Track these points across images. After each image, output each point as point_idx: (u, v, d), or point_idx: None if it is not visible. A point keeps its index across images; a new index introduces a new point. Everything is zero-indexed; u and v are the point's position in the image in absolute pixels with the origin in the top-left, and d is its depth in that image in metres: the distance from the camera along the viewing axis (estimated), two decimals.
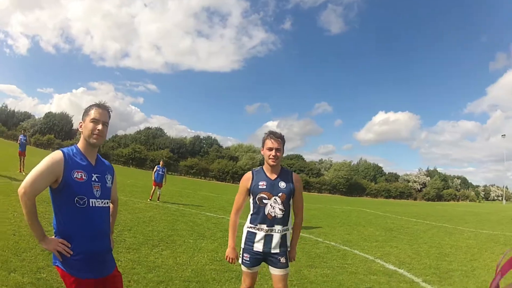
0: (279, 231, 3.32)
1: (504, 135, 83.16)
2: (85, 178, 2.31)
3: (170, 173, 59.76)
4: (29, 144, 17.27)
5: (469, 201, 73.56)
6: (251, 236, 3.38)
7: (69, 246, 2.24)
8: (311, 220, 14.11)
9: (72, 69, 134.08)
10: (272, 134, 3.36)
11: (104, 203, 2.43)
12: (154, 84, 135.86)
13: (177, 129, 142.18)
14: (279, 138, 3.35)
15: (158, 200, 14.75)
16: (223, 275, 5.46)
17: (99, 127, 2.39)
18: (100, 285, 2.39)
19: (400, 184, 72.86)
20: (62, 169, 2.23)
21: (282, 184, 3.34)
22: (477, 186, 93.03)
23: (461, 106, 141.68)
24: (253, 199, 3.38)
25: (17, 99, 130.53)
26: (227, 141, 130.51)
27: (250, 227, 3.40)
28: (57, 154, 2.28)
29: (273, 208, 3.29)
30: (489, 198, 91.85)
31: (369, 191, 67.89)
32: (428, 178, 76.84)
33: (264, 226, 3.31)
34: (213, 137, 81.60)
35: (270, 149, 3.31)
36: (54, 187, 2.27)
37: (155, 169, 15.11)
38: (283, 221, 3.33)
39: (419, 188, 74.48)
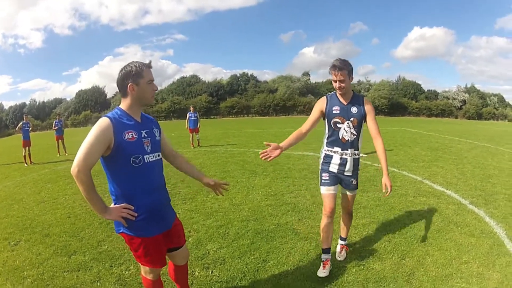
0: (352, 155, 3.57)
1: None
2: (136, 136, 2.30)
3: (212, 117, 60.92)
4: (65, 127, 16.80)
5: (508, 121, 69.33)
6: (327, 158, 3.66)
7: (132, 208, 2.28)
8: None
9: (94, 43, 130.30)
10: (334, 68, 3.39)
11: (156, 156, 2.44)
12: (181, 34, 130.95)
13: (212, 72, 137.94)
14: (341, 70, 3.36)
15: (199, 145, 15.19)
16: (279, 209, 5.66)
17: (156, 87, 2.41)
18: (166, 238, 2.51)
19: (440, 102, 70.72)
20: (112, 134, 2.19)
21: (354, 109, 3.51)
22: None
23: (491, 21, 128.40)
24: (328, 123, 3.59)
25: (44, 90, 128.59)
26: (264, 75, 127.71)
27: (327, 150, 3.66)
28: (103, 122, 2.21)
29: (346, 132, 3.50)
30: None
31: (411, 110, 67.13)
32: (467, 95, 73.37)
33: (339, 149, 3.57)
34: (249, 74, 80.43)
35: (335, 81, 3.42)
36: (106, 154, 2.23)
37: (187, 117, 15.30)
38: (355, 145, 3.56)
39: (459, 105, 71.85)
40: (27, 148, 13.91)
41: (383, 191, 3.37)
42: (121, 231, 2.35)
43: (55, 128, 16.22)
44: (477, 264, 3.73)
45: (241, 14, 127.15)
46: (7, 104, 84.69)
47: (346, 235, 4.04)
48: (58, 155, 15.58)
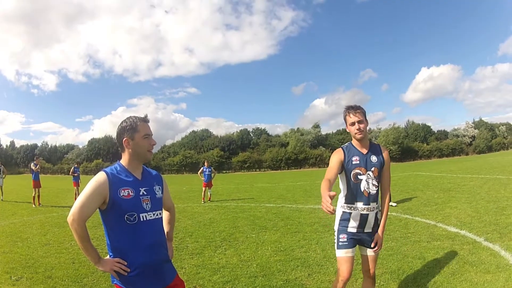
0: (373, 209, 3.22)
1: None
2: (132, 194, 2.27)
3: (224, 171, 60.88)
4: (81, 174, 17.48)
5: None
6: (346, 216, 3.26)
7: (125, 264, 2.23)
8: None
9: (108, 92, 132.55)
10: (350, 109, 3.22)
11: (156, 215, 2.39)
12: (194, 87, 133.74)
13: (225, 126, 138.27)
14: (358, 110, 3.20)
15: (210, 200, 15.19)
16: (288, 265, 5.44)
17: (153, 142, 2.40)
18: None
19: (450, 141, 71.25)
20: (108, 189, 2.19)
21: (374, 158, 3.23)
22: None
23: (494, 49, 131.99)
24: (347, 176, 3.24)
25: (57, 134, 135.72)
26: (276, 129, 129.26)
27: (346, 207, 3.27)
28: (100, 176, 2.23)
29: (368, 184, 3.17)
30: None
31: (422, 153, 67.07)
32: (477, 131, 73.95)
33: (361, 205, 3.19)
34: (261, 128, 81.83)
35: (353, 123, 3.18)
36: (102, 208, 2.24)
37: (200, 170, 15.49)
38: (377, 198, 3.23)
39: (469, 142, 72.46)
40: (37, 189, 14.45)
41: (372, 245, 3.24)
42: (114, 282, 2.30)
43: (75, 174, 16.79)
44: None
45: (253, 68, 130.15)
46: (18, 143, 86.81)
47: None
48: (75, 200, 15.79)
